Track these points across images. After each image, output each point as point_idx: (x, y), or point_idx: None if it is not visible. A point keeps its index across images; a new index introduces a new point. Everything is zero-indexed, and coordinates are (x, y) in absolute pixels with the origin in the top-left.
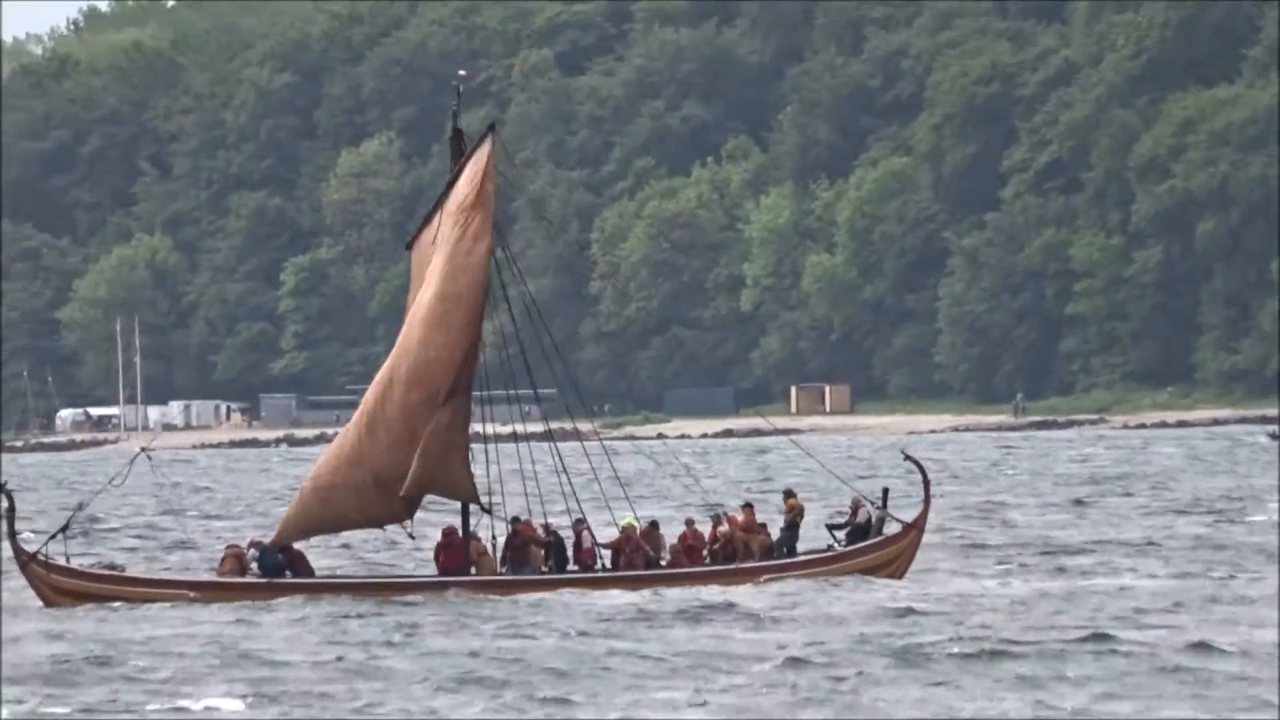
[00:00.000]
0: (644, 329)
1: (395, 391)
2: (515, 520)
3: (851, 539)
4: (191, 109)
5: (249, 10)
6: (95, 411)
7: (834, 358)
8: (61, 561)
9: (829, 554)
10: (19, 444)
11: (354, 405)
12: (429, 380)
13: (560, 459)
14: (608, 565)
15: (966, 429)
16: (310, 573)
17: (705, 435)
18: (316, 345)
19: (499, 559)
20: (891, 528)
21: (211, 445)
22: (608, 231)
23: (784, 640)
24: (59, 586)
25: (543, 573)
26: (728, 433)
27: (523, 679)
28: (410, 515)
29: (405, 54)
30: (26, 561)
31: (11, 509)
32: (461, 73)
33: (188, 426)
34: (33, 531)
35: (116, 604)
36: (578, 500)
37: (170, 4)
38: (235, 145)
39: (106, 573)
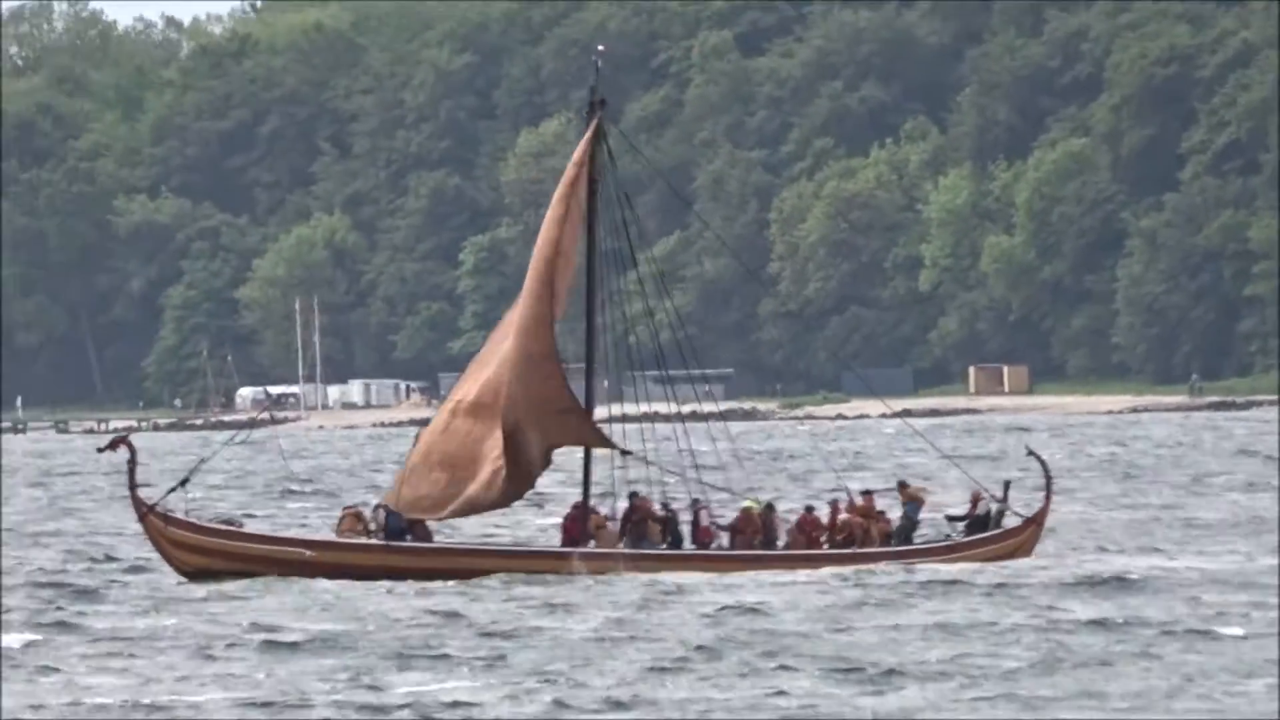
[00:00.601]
0: (822, 309)
1: (497, 365)
2: (634, 495)
3: (970, 530)
4: (371, 89)
5: None
6: (275, 390)
7: (1012, 338)
8: (180, 515)
9: (946, 544)
10: (199, 422)
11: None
12: (517, 346)
13: (724, 439)
14: (724, 545)
15: (1144, 409)
16: (429, 537)
17: (883, 415)
18: (495, 324)
19: (619, 531)
20: (1011, 521)
21: (391, 424)
22: (786, 212)
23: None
24: (175, 539)
25: (660, 548)
26: (906, 413)
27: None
28: (524, 492)
29: (585, 35)
30: (145, 514)
31: (133, 459)
32: (600, 48)
33: (367, 405)
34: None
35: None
36: (700, 481)
37: None
38: (414, 125)
39: (223, 527)
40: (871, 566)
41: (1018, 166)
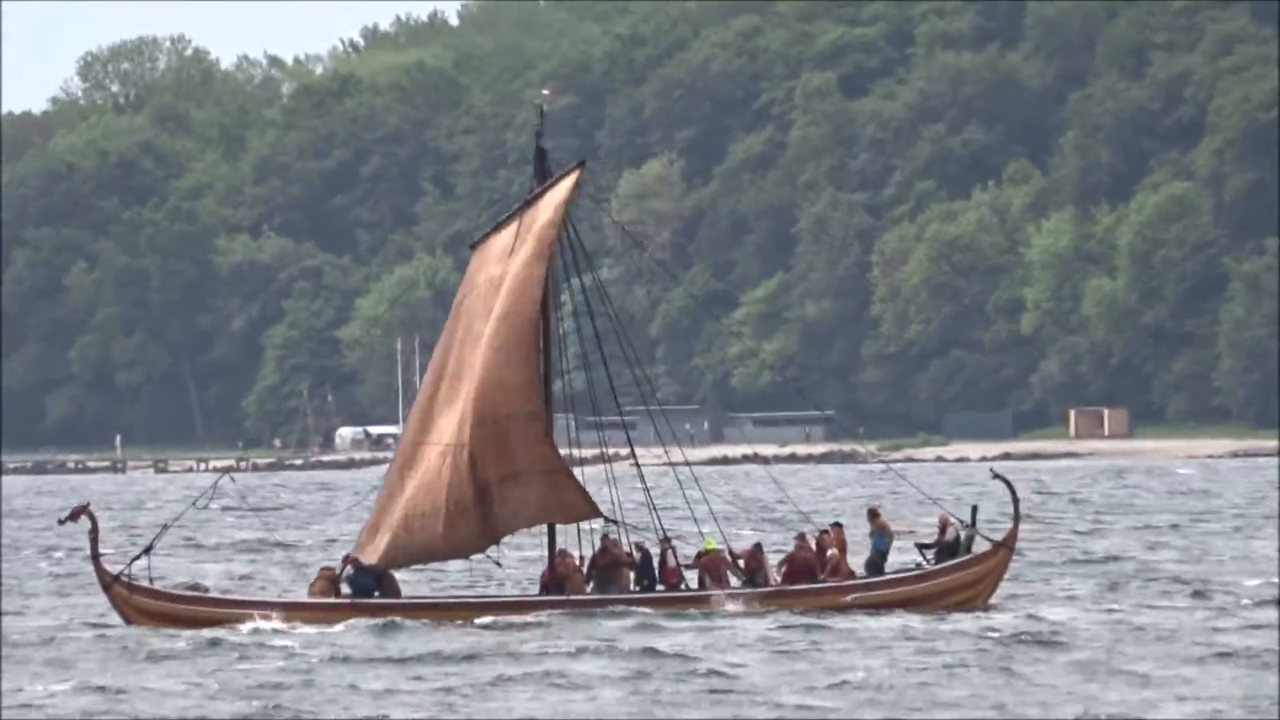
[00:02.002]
0: (923, 351)
1: (463, 412)
2: (605, 537)
3: (940, 558)
4: (473, 129)
5: (532, 31)
6: (375, 430)
7: (1113, 381)
8: (144, 583)
9: (916, 572)
10: (298, 462)
11: (632, 426)
12: (484, 401)
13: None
14: (691, 586)
15: (1245, 454)
16: (397, 593)
17: (984, 459)
18: (596, 365)
19: (586, 575)
20: (980, 547)
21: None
22: (888, 254)
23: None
24: (141, 608)
25: (631, 592)
26: (1006, 456)
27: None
28: (495, 543)
29: (688, 76)
30: (110, 583)
31: (95, 530)
32: (545, 91)
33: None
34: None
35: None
36: (694, 520)
37: (454, 24)
38: (516, 165)
39: (189, 594)
40: (843, 599)
41: (1120, 210)
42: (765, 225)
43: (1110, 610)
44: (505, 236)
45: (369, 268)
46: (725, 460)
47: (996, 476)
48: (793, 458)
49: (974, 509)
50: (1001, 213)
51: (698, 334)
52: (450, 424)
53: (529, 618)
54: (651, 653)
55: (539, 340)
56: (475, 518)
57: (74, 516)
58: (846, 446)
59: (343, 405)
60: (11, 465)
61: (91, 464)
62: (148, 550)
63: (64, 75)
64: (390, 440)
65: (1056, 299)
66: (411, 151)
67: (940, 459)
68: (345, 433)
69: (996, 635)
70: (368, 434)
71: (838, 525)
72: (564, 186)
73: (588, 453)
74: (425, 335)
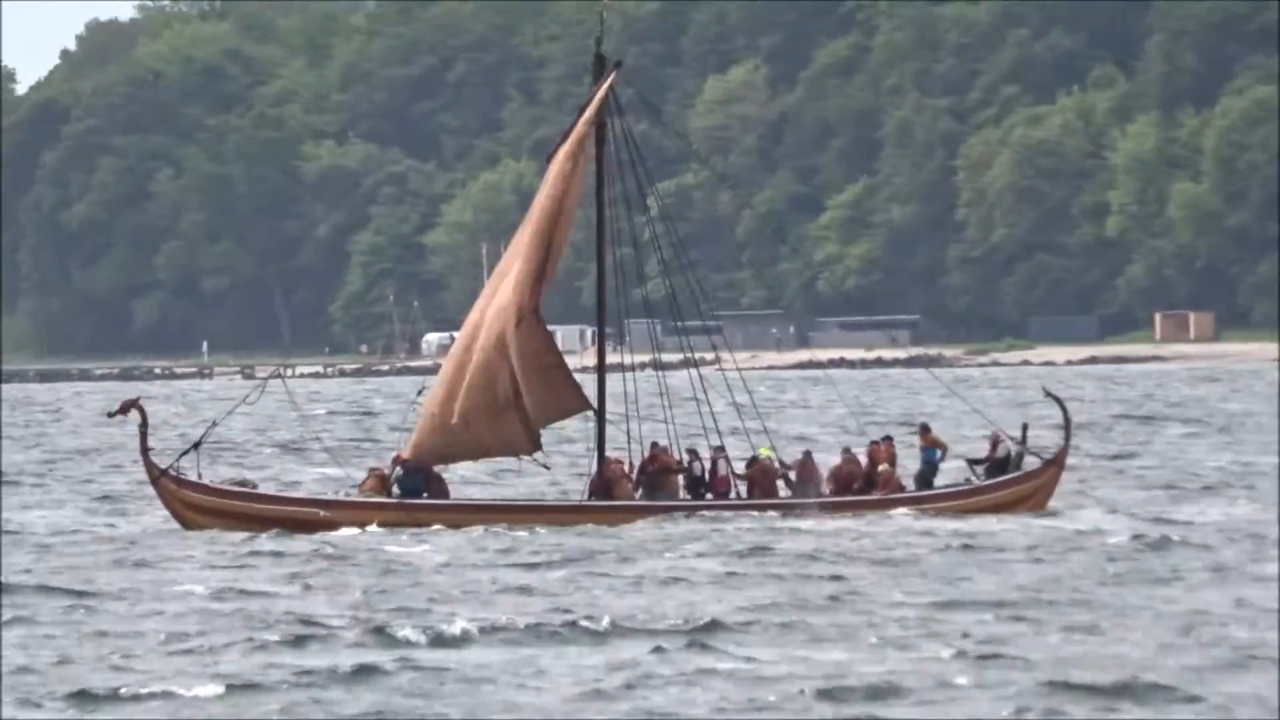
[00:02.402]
0: (1009, 255)
1: (499, 316)
2: (654, 445)
3: (990, 474)
4: (558, 36)
5: None
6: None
7: (1198, 285)
8: (193, 477)
9: (965, 487)
10: (385, 367)
11: (719, 331)
12: (516, 302)
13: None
14: (741, 494)
15: None
16: (445, 494)
17: (1069, 362)
18: (681, 270)
19: (636, 482)
20: (1031, 463)
21: (577, 370)
22: (973, 159)
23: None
24: (189, 502)
25: (680, 499)
26: (1091, 360)
27: None
28: (538, 447)
29: None
30: (158, 477)
31: (144, 424)
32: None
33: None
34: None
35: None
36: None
37: None
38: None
39: (237, 489)
40: (890, 512)
41: (1205, 114)
42: (850, 130)
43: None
44: (569, 144)
45: (454, 173)
46: (811, 364)
47: (1049, 395)
48: (879, 362)
49: (1024, 426)
50: (1086, 117)
51: (783, 238)
52: (495, 324)
53: (583, 521)
54: (762, 550)
55: (549, 234)
56: (518, 415)
57: (123, 410)
58: (932, 351)
59: (428, 311)
60: (98, 371)
61: (178, 370)
62: (196, 446)
63: None
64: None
65: (1141, 203)
66: (497, 57)
67: (1026, 363)
68: (431, 338)
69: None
70: (453, 339)
71: (889, 439)
72: (601, 88)
73: (672, 358)
74: (510, 240)
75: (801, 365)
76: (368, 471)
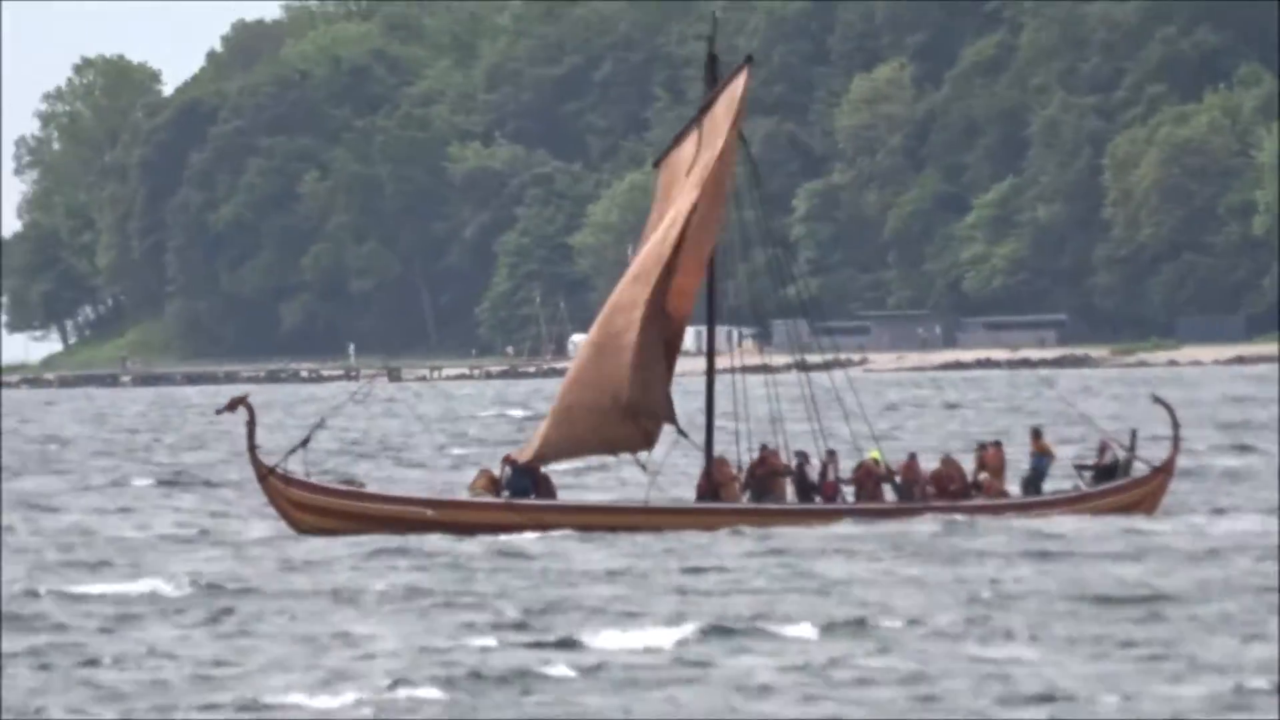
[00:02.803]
0: (1155, 255)
1: (632, 315)
2: (763, 447)
3: (1098, 480)
4: (705, 35)
5: None
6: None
7: None
8: (300, 476)
9: (1074, 494)
10: (531, 369)
11: (866, 331)
12: (660, 307)
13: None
14: (848, 498)
15: None
16: (553, 494)
17: (1216, 362)
18: (829, 270)
19: (744, 484)
20: (1138, 469)
21: (720, 371)
22: (1119, 158)
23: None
24: (295, 500)
25: (787, 502)
26: (1238, 359)
27: None
28: (649, 446)
29: None
30: (265, 475)
31: (252, 421)
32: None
33: (699, 352)
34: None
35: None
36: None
37: None
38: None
39: (344, 488)
40: (999, 517)
41: None
42: (996, 129)
43: None
44: (688, 148)
45: (600, 174)
46: (958, 364)
47: (1157, 401)
48: (1025, 362)
49: (1133, 432)
50: (1233, 115)
51: (929, 238)
52: (622, 324)
53: (698, 524)
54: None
55: (704, 256)
56: (628, 416)
57: (231, 407)
58: (1078, 351)
59: (574, 312)
60: (245, 374)
61: (324, 373)
62: (303, 444)
63: None
64: None
65: None
66: (643, 57)
67: (1173, 363)
68: (577, 339)
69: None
70: None
71: (997, 444)
72: (738, 85)
73: (818, 358)
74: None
75: (947, 366)
76: (479, 471)
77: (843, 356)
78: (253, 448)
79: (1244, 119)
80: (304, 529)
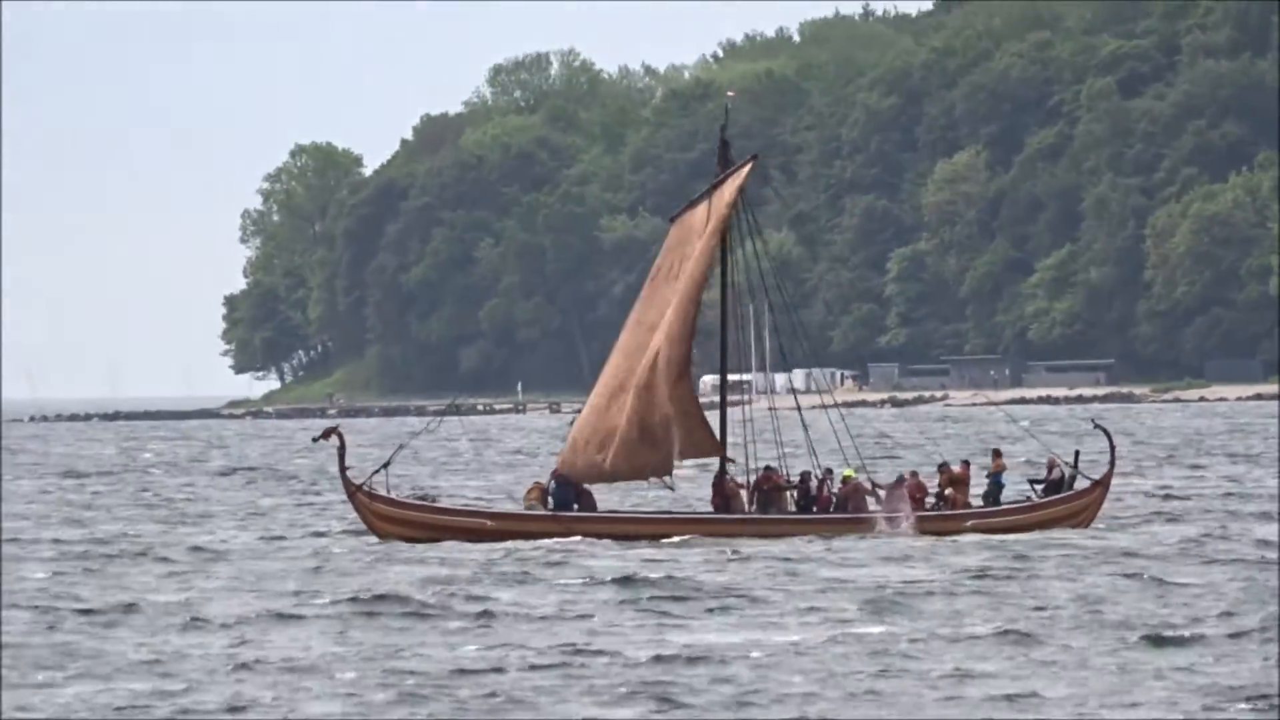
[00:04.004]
0: (1188, 309)
1: (649, 357)
2: (767, 467)
3: (1047, 492)
4: (813, 126)
5: (862, 44)
6: (733, 377)
7: None
8: (383, 492)
9: (1027, 504)
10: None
11: (946, 373)
12: (666, 351)
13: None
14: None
15: None
16: (594, 507)
17: (1240, 399)
18: (916, 322)
19: (749, 499)
20: (1081, 484)
21: (827, 406)
22: (1158, 229)
23: None
24: (379, 513)
25: (789, 513)
26: (1257, 396)
27: None
28: (669, 472)
29: (991, 80)
30: (354, 492)
31: (342, 447)
32: (730, 94)
33: (808, 390)
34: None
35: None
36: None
37: (796, 39)
38: (849, 156)
39: (418, 502)
40: (963, 525)
41: None
42: (1056, 204)
43: None
44: (700, 212)
45: (734, 251)
46: (1023, 400)
47: (1097, 427)
48: (1080, 398)
49: (1076, 453)
50: (1253, 193)
51: (1000, 295)
52: (637, 366)
53: (721, 534)
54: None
55: (698, 298)
56: (649, 446)
57: (325, 435)
58: (1125, 389)
59: (703, 359)
60: (431, 408)
61: (497, 406)
62: (385, 465)
63: (474, 83)
64: (746, 385)
65: None
66: (761, 144)
67: (1203, 399)
68: (707, 379)
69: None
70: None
71: (965, 464)
72: (741, 174)
73: (908, 395)
74: (773, 298)
75: (1014, 401)
76: (532, 484)
77: (927, 394)
78: (343, 469)
79: (1262, 196)
80: (385, 537)
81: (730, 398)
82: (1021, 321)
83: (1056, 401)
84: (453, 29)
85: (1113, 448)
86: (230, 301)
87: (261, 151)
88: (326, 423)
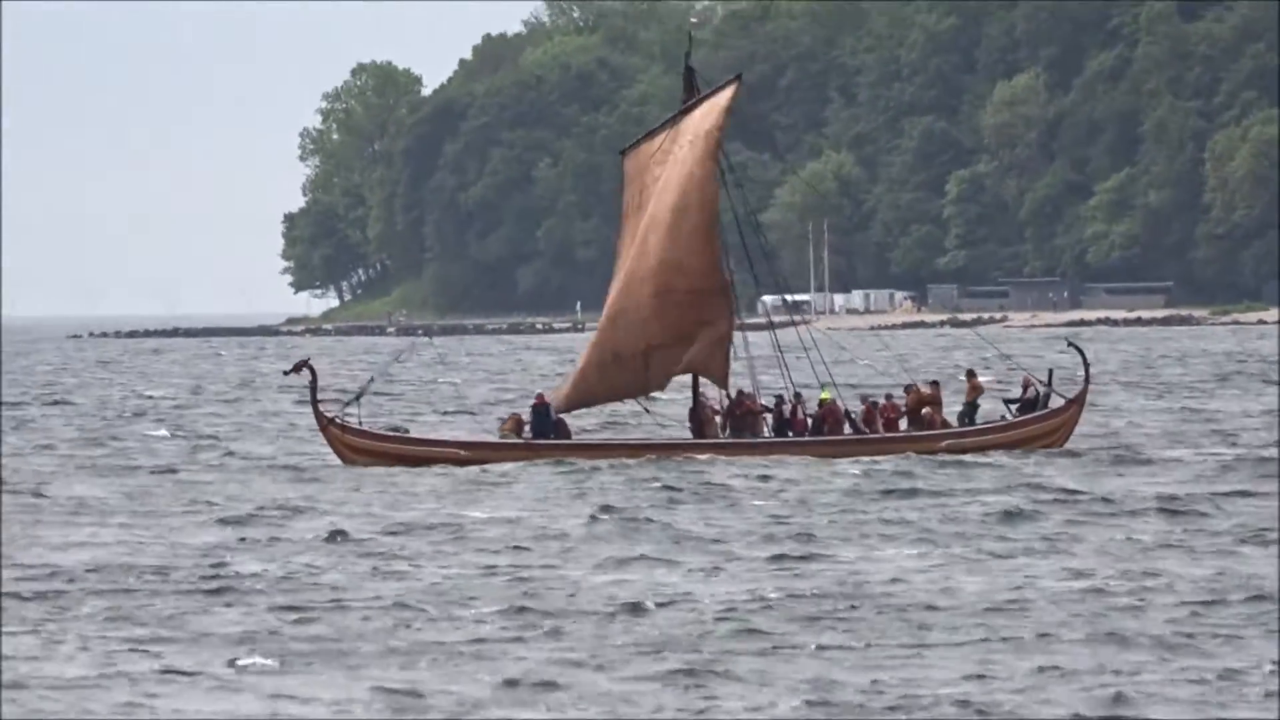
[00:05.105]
0: (1247, 232)
1: (634, 288)
2: (740, 392)
3: (1022, 411)
4: (873, 47)
5: None
6: (791, 297)
7: None
8: (355, 424)
9: (1002, 424)
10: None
11: (1005, 295)
12: (662, 278)
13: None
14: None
15: None
16: (568, 436)
17: None
18: (974, 244)
19: (723, 424)
20: (1056, 402)
21: (885, 327)
22: (1217, 152)
23: None
24: (352, 445)
25: (763, 437)
26: None
27: None
28: (653, 390)
29: (1051, 2)
30: (326, 425)
31: (314, 380)
32: (693, 20)
33: (867, 311)
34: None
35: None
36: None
37: None
38: (908, 78)
39: (391, 434)
40: (938, 446)
41: None
42: (1115, 127)
43: None
44: (657, 142)
45: (785, 163)
46: (1082, 323)
47: (1071, 345)
48: (1139, 321)
49: (1050, 371)
50: None
51: (1059, 217)
52: (624, 297)
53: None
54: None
55: (717, 227)
56: (634, 368)
57: (296, 369)
58: (1183, 312)
59: (764, 277)
60: (489, 327)
61: (555, 326)
62: (357, 398)
63: (533, 4)
64: (805, 305)
65: None
66: (821, 66)
67: (1261, 321)
68: (767, 299)
69: None
70: (785, 300)
71: (934, 383)
72: (725, 95)
73: (967, 316)
74: (832, 219)
75: (1073, 324)
76: (509, 415)
77: (985, 315)
78: (315, 401)
79: None
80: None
81: (787, 318)
82: (1081, 244)
83: (1115, 324)
84: None
85: (1087, 366)
86: (289, 220)
87: (321, 70)
88: (394, 342)
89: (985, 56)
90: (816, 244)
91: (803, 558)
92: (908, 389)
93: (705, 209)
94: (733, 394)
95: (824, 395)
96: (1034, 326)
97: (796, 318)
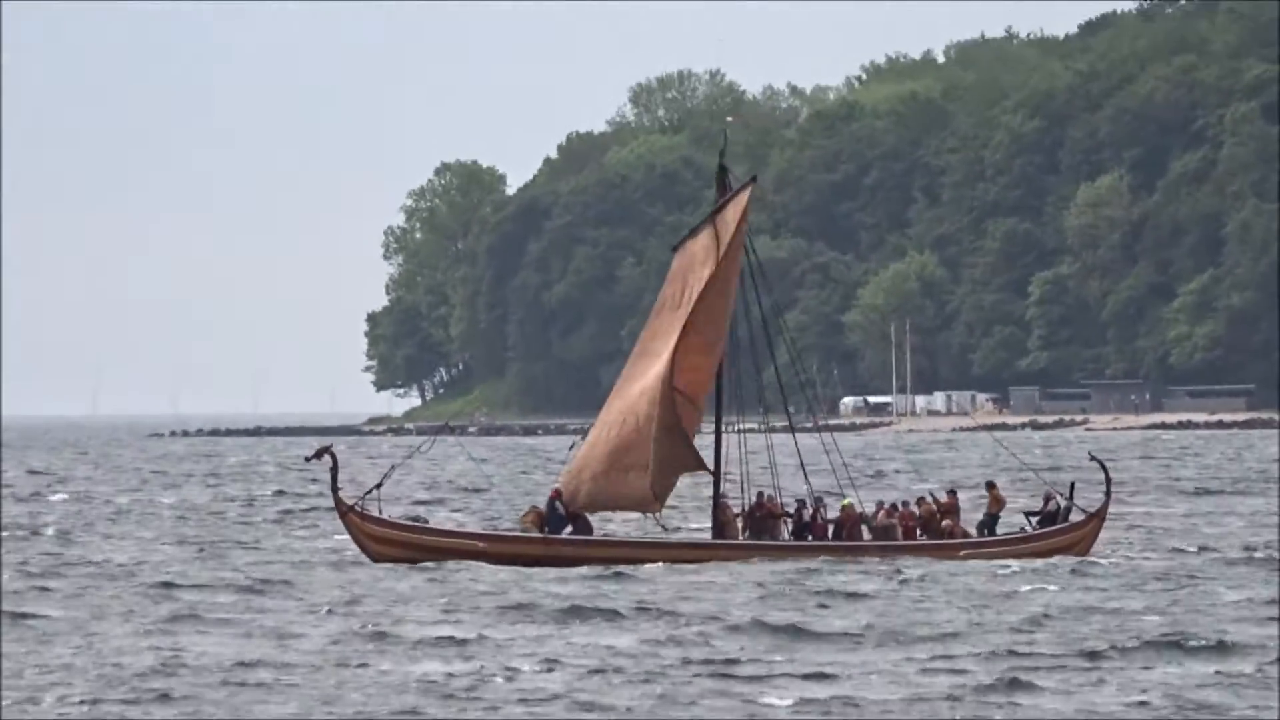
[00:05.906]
0: None
1: (651, 386)
2: (760, 494)
3: (1043, 524)
4: (957, 148)
5: (1007, 67)
6: (873, 399)
7: None
8: (374, 513)
9: (1022, 535)
10: (809, 425)
11: (1087, 397)
12: (683, 380)
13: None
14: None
15: None
16: (589, 530)
17: None
18: (1057, 346)
19: (743, 525)
20: (1076, 516)
21: (967, 429)
22: None
23: None
24: (371, 533)
25: (783, 540)
26: None
27: None
28: (656, 507)
29: (1135, 104)
30: (345, 512)
31: (335, 467)
32: (729, 119)
33: (948, 412)
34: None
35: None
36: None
37: (941, 60)
38: (992, 178)
39: (410, 523)
40: (957, 554)
41: None
42: (1199, 229)
43: None
44: (702, 239)
45: (868, 263)
46: (1164, 425)
47: (1093, 459)
48: (1220, 424)
49: (1072, 484)
50: None
51: (1141, 319)
52: (638, 395)
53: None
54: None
55: (725, 314)
56: (645, 477)
57: (318, 455)
58: (1264, 415)
59: (845, 378)
60: (572, 426)
61: None
62: (377, 487)
63: (618, 102)
64: (887, 408)
65: None
66: (905, 166)
67: None
68: (847, 401)
69: None
70: (866, 402)
71: (952, 492)
72: (743, 198)
73: (1048, 418)
74: (915, 319)
75: (1154, 426)
76: (529, 507)
77: (1067, 418)
78: (335, 489)
79: None
80: (378, 557)
81: (872, 420)
82: (1163, 346)
83: (1197, 426)
84: (596, 44)
85: (1108, 480)
86: (372, 318)
87: (405, 169)
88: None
89: (1069, 158)
90: (899, 345)
91: None
92: (919, 501)
93: (716, 313)
94: (747, 498)
95: (845, 502)
96: (1116, 429)
97: (879, 419)
